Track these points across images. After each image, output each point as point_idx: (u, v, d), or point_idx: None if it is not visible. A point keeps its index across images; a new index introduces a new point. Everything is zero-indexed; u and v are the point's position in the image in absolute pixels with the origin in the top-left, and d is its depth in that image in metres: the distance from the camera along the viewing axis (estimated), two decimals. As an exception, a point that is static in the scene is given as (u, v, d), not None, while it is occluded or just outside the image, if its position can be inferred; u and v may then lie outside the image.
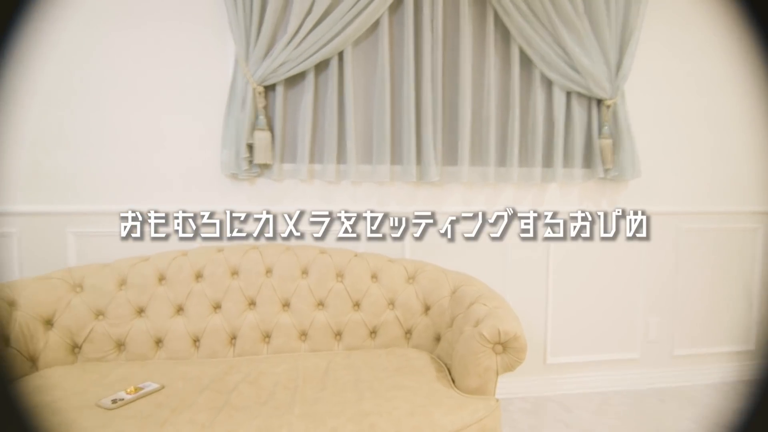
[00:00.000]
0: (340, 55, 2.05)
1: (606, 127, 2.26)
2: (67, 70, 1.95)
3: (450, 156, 2.22)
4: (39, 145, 1.95)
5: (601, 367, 2.43)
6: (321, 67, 2.06)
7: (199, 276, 1.87)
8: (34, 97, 1.94)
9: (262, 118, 1.99)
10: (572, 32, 2.16)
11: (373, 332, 1.92)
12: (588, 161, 2.32)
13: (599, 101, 2.27)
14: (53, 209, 1.96)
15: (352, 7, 1.97)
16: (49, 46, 1.93)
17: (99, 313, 1.77)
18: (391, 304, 1.92)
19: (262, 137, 1.98)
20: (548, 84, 2.25)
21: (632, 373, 2.46)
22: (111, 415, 1.36)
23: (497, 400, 1.52)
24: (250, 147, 1.99)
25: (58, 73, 1.95)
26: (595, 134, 2.28)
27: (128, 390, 1.48)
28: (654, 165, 2.41)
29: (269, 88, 2.02)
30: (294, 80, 2.05)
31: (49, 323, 1.70)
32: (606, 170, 2.29)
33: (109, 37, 1.96)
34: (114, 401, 1.42)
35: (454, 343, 1.66)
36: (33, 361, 1.65)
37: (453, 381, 1.60)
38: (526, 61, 2.22)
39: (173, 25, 2.00)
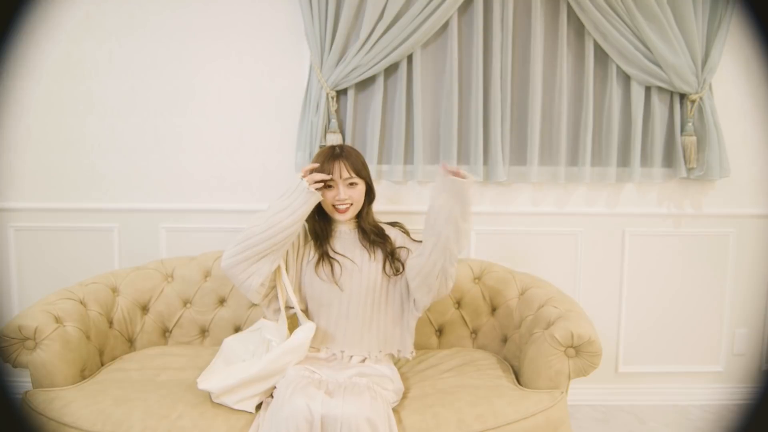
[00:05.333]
0: (409, 57, 2.09)
1: (690, 124, 2.13)
2: (166, 80, 2.15)
3: (518, 155, 2.19)
4: (139, 150, 2.16)
5: (678, 378, 2.30)
6: (390, 70, 2.11)
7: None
8: (137, 104, 2.16)
9: (334, 121, 2.08)
10: (654, 24, 2.06)
11: (439, 331, 1.95)
12: (669, 160, 2.20)
13: (683, 96, 2.14)
14: (149, 207, 2.18)
15: (422, 10, 2.00)
16: (165, 57, 2.14)
17: (187, 301, 1.94)
18: (457, 303, 1.94)
19: (333, 139, 2.07)
20: (625, 79, 2.15)
21: (714, 387, 2.30)
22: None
23: (562, 392, 1.49)
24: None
25: (158, 83, 2.15)
26: (677, 131, 2.15)
27: None
28: (744, 164, 2.22)
29: (341, 92, 2.11)
30: (364, 84, 2.12)
31: (145, 309, 1.90)
32: (689, 170, 2.16)
33: (198, 48, 2.13)
34: None
35: (523, 345, 1.65)
36: (131, 342, 1.85)
37: (519, 382, 1.60)
38: (601, 57, 2.14)
39: (254, 35, 2.13)
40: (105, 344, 1.74)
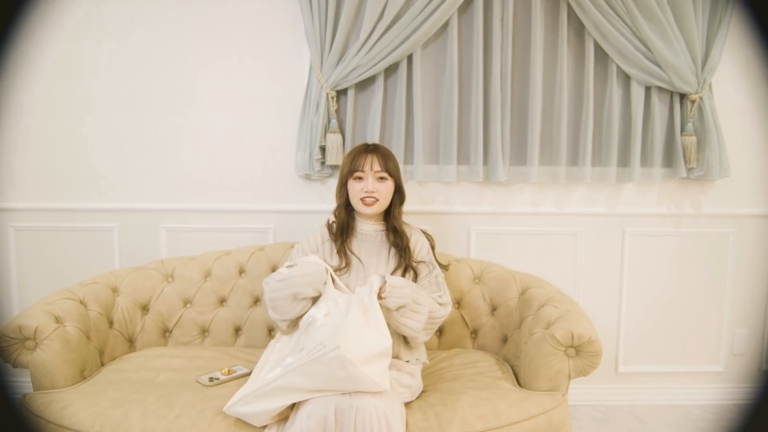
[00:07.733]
0: (409, 57, 2.09)
1: (690, 124, 2.13)
2: (166, 80, 2.15)
3: (519, 155, 2.19)
4: (139, 150, 2.16)
5: (678, 378, 2.30)
6: (390, 70, 2.11)
7: (274, 270, 1.98)
8: (136, 104, 2.15)
9: (334, 121, 2.08)
10: (654, 24, 2.06)
11: (439, 330, 1.94)
12: (669, 160, 2.19)
13: (683, 96, 2.14)
14: (149, 207, 2.18)
15: (422, 10, 2.00)
16: (165, 58, 2.14)
17: (187, 301, 1.94)
18: (457, 303, 1.94)
19: (333, 139, 2.07)
20: (625, 79, 2.15)
21: (714, 387, 2.29)
22: (208, 391, 1.51)
23: (563, 395, 1.49)
24: (323, 149, 2.09)
25: (162, 84, 2.15)
26: (677, 131, 2.15)
27: (223, 371, 1.62)
28: (744, 164, 2.22)
29: (341, 92, 2.11)
30: (364, 84, 2.12)
31: (145, 309, 1.90)
32: (689, 169, 2.16)
33: (198, 48, 2.13)
34: (210, 379, 1.58)
35: (523, 345, 1.66)
36: (131, 342, 1.85)
37: (518, 383, 1.60)
38: (601, 57, 2.13)
39: (254, 35, 2.13)
40: (105, 344, 1.73)
